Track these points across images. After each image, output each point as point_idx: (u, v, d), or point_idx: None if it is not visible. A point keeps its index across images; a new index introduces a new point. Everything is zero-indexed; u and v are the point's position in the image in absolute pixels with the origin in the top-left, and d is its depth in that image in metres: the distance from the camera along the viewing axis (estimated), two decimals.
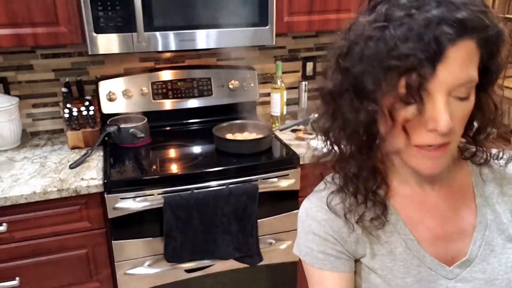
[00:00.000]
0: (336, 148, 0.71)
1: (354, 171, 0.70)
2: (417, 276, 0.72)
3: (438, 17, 0.55)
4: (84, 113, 1.89)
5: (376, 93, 0.60)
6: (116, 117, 1.97)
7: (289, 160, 1.79)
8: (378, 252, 0.74)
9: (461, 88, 0.59)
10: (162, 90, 2.05)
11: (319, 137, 0.73)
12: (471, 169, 0.76)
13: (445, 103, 0.58)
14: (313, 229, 0.75)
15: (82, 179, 1.60)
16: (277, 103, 2.11)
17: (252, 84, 2.15)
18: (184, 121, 2.15)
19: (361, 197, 0.71)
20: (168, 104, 2.07)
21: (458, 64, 0.57)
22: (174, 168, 1.75)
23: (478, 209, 0.74)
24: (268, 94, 2.20)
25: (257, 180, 1.71)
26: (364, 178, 0.70)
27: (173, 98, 2.07)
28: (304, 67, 2.34)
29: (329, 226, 0.74)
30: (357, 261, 0.76)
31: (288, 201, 1.80)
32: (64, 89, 1.92)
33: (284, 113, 2.15)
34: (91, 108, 1.91)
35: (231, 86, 2.12)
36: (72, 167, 1.69)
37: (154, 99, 2.04)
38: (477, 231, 0.73)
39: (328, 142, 0.71)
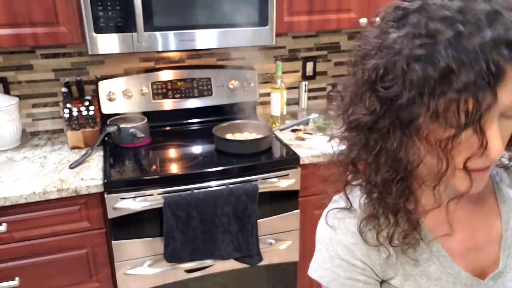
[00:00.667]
0: (366, 176, 0.66)
1: (385, 191, 0.65)
2: None
3: (494, 38, 0.50)
4: (84, 113, 1.89)
5: (428, 127, 0.56)
6: (116, 117, 1.97)
7: (289, 160, 1.79)
8: (411, 273, 0.70)
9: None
10: (162, 90, 2.05)
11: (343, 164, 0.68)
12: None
13: (497, 129, 0.54)
14: (340, 254, 0.70)
15: (82, 179, 1.60)
16: (277, 103, 2.11)
17: (252, 84, 2.15)
18: (184, 121, 2.14)
19: (391, 215, 0.67)
20: (168, 104, 2.07)
21: None
22: (174, 168, 1.75)
23: (502, 215, 0.71)
24: (268, 94, 2.20)
25: (257, 180, 1.71)
26: (390, 193, 0.65)
27: (173, 98, 2.07)
28: (304, 67, 2.34)
29: (358, 250, 0.69)
30: (383, 282, 0.72)
31: (288, 201, 1.80)
32: (64, 89, 1.92)
33: (284, 113, 2.15)
34: (91, 108, 1.91)
35: (231, 86, 2.12)
36: (72, 167, 1.69)
37: (154, 99, 2.04)
38: (504, 239, 0.71)
39: (353, 168, 0.67)
